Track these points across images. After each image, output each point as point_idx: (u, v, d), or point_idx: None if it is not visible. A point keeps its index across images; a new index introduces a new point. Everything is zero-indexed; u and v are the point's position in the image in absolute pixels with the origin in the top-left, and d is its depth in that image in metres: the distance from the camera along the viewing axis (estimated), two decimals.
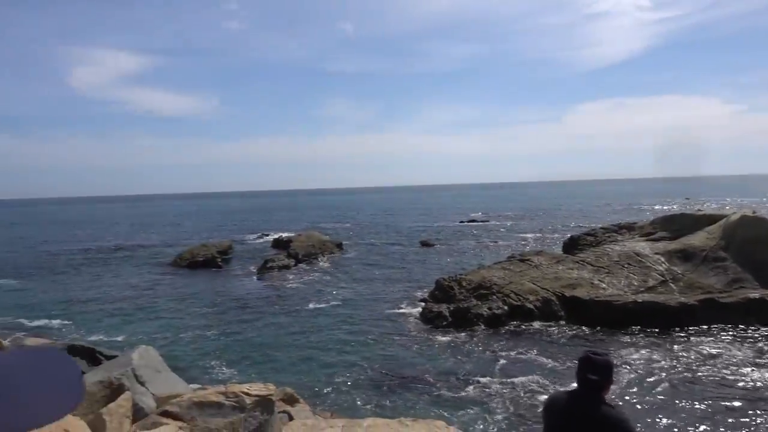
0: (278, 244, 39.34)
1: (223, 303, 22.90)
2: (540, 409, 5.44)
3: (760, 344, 14.91)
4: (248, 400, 4.89)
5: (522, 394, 11.98)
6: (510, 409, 11.22)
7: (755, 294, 16.93)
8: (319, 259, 33.07)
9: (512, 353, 14.77)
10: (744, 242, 18.82)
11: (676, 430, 10.17)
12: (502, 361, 14.15)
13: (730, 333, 15.85)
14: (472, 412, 11.18)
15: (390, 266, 30.69)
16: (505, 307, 17.78)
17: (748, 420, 10.44)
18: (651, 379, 12.64)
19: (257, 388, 5.14)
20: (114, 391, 5.21)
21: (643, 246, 20.89)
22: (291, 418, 6.54)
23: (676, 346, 14.92)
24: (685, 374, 12.95)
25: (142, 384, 5.34)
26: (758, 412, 10.73)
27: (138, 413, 5.03)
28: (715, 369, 13.23)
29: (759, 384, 12.22)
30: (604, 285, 18.58)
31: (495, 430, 10.45)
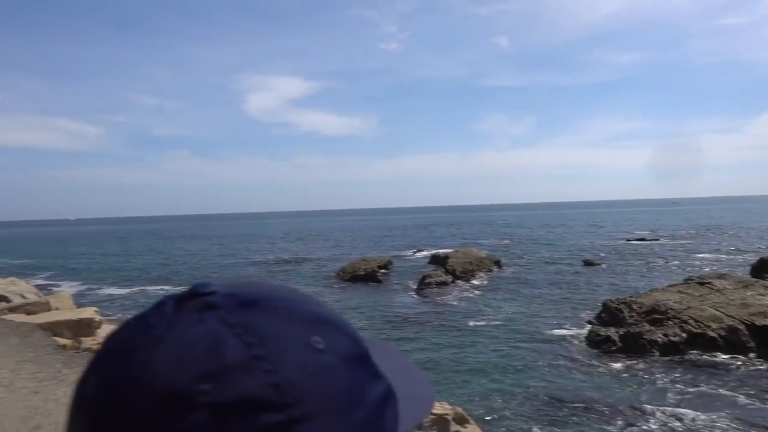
0: (435, 260, 39.58)
1: (383, 317, 23.49)
2: None
3: None
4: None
5: None
6: None
7: None
8: (477, 276, 32.77)
9: (694, 386, 13.48)
10: None
11: None
12: (683, 395, 12.96)
13: None
14: None
15: (551, 285, 29.60)
16: (683, 335, 16.32)
17: None
18: None
19: None
20: None
21: None
22: None
23: None
24: None
25: None
26: None
27: None
28: None
29: None
30: None
31: None
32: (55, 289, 28.48)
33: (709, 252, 42.66)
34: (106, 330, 9.37)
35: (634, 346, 16.27)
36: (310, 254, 54.72)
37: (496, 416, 12.25)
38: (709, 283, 19.49)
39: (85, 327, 9.33)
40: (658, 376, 14.36)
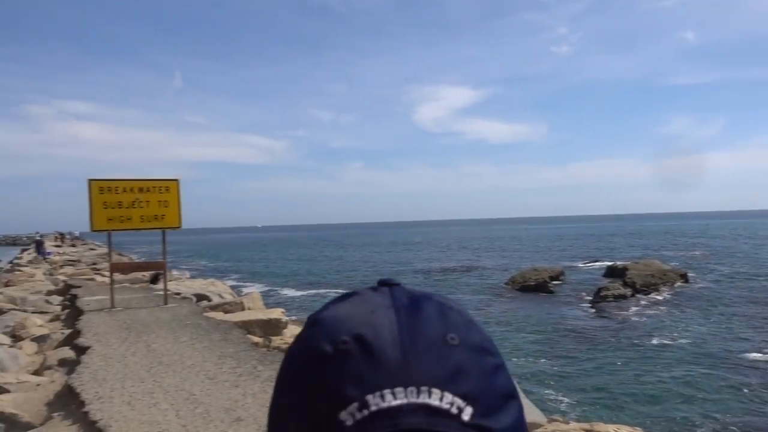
0: (612, 272, 37.32)
1: (555, 330, 22.59)
2: None
3: None
4: None
5: None
6: None
7: None
8: (660, 290, 30.28)
9: None
10: None
11: None
12: None
13: None
14: None
15: (749, 303, 26.47)
16: None
17: None
18: None
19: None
20: None
21: None
22: None
23: None
24: None
25: None
26: None
27: None
28: None
29: None
30: None
31: None
32: (243, 290, 31.28)
33: None
34: (292, 330, 10.03)
35: None
36: (476, 263, 54.44)
37: None
38: None
39: (274, 327, 10.07)
40: None
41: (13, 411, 5.81)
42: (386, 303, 0.65)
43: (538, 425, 5.13)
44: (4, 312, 13.17)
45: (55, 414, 5.65)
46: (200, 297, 13.79)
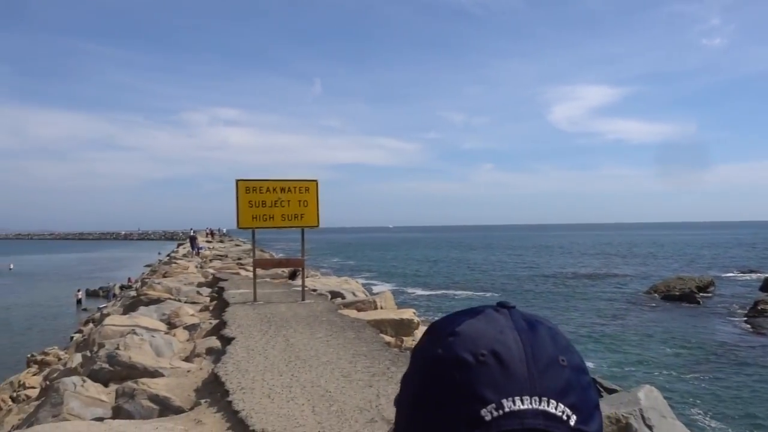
0: None
1: (702, 345, 20.83)
2: None
3: None
4: None
5: None
6: None
7: None
8: None
9: None
10: None
11: None
12: None
13: None
14: None
15: None
16: None
17: None
18: None
19: None
20: (621, 429, 5.07)
21: None
22: None
23: None
24: None
25: (649, 428, 5.06)
26: None
27: None
28: None
29: None
30: None
31: None
32: (374, 288, 31.91)
33: None
34: (423, 331, 9.99)
35: None
36: (612, 269, 51.70)
37: None
38: None
39: (406, 327, 10.10)
40: None
41: (167, 395, 6.25)
42: (509, 324, 0.81)
43: None
44: (162, 301, 14.40)
45: (203, 401, 6.00)
46: (335, 294, 14.20)
